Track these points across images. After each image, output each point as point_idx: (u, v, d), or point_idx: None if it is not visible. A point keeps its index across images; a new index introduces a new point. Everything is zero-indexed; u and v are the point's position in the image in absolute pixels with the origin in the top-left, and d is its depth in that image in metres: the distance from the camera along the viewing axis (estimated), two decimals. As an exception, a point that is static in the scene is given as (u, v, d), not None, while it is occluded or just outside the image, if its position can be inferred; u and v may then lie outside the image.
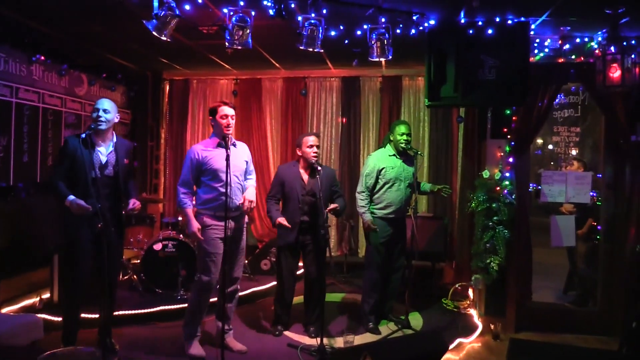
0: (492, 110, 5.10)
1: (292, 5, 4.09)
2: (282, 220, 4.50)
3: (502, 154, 5.07)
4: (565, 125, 6.19)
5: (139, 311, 5.09)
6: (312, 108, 7.73)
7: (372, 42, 4.34)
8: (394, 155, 4.90)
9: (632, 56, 4.27)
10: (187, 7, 4.04)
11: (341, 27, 4.48)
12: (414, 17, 4.36)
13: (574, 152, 6.26)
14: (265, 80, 7.78)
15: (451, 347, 4.54)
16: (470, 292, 5.72)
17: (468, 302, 5.69)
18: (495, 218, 4.91)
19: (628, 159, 4.81)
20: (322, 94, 7.72)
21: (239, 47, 4.02)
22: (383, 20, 4.32)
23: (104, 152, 4.04)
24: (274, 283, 5.19)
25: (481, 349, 4.63)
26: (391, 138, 4.95)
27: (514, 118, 4.95)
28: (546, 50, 4.94)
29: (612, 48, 4.31)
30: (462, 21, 4.48)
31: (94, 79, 6.66)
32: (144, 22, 3.76)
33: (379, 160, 4.87)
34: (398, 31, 4.45)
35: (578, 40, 4.77)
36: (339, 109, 7.67)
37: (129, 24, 4.76)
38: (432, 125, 7.33)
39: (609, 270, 4.98)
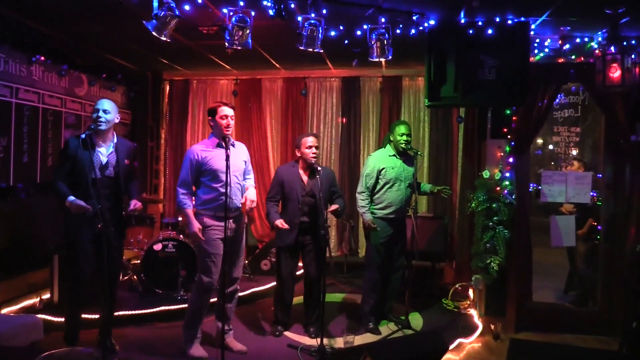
0: (492, 110, 5.10)
1: (292, 6, 4.09)
2: (279, 223, 4.49)
3: (502, 154, 5.07)
4: (565, 125, 6.19)
5: (139, 311, 5.09)
6: (312, 108, 7.73)
7: (372, 42, 4.34)
8: (394, 155, 4.90)
9: (632, 56, 4.27)
10: (187, 7, 4.04)
11: (341, 27, 4.48)
12: (414, 17, 4.36)
13: (574, 152, 6.26)
14: (265, 81, 7.78)
15: (451, 347, 4.54)
16: (471, 292, 5.71)
17: (468, 302, 5.69)
18: (495, 218, 4.91)
19: (628, 159, 4.81)
20: (322, 94, 7.72)
21: (239, 48, 4.02)
22: (383, 20, 4.31)
23: (105, 152, 4.04)
24: (274, 283, 5.19)
25: (481, 349, 4.63)
26: (391, 138, 4.94)
27: (514, 118, 4.95)
28: (546, 50, 4.93)
29: (612, 48, 4.31)
30: (462, 21, 4.48)
31: (94, 79, 6.66)
32: (144, 22, 3.76)
33: (379, 161, 4.87)
34: (398, 31, 4.45)
35: (578, 40, 4.77)
36: (339, 109, 7.67)
37: (129, 24, 4.76)
38: (432, 125, 7.33)
39: (609, 270, 4.98)
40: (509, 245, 4.92)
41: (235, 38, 3.97)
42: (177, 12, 3.82)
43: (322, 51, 4.26)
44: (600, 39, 4.64)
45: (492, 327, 4.83)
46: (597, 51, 4.62)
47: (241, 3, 3.99)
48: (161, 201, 7.84)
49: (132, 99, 7.65)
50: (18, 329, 3.95)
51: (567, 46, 4.79)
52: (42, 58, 5.64)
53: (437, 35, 4.48)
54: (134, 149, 4.32)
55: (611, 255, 4.98)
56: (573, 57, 4.85)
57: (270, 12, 3.95)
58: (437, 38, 4.48)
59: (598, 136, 5.35)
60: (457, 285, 5.90)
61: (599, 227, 5.20)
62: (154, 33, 3.81)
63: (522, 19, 4.39)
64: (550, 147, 6.65)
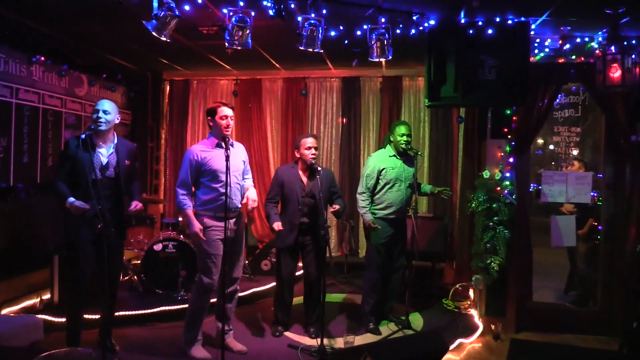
0: (492, 110, 5.10)
1: (292, 6, 4.08)
2: (277, 225, 4.49)
3: (502, 154, 5.07)
4: (565, 125, 6.19)
5: (140, 312, 5.09)
6: (312, 108, 7.73)
7: (372, 43, 4.34)
8: (394, 155, 4.89)
9: (633, 56, 4.27)
10: (187, 7, 4.04)
11: (341, 28, 4.47)
12: (414, 17, 4.36)
13: (574, 152, 6.26)
14: (266, 81, 7.78)
15: (452, 347, 4.54)
16: (471, 292, 5.71)
17: (468, 302, 5.68)
18: (495, 218, 4.91)
19: (628, 159, 4.81)
20: (322, 95, 7.72)
21: (239, 48, 4.02)
22: (383, 20, 4.31)
23: (105, 153, 4.04)
24: (274, 284, 5.19)
25: (482, 350, 4.63)
26: (391, 139, 4.94)
27: (514, 118, 4.95)
28: (546, 50, 4.93)
29: (613, 48, 4.30)
30: (462, 21, 4.48)
31: (94, 79, 6.66)
32: (144, 22, 3.76)
33: (379, 161, 4.87)
34: (398, 31, 4.45)
35: (578, 40, 4.77)
36: (339, 110, 7.67)
37: (129, 24, 4.76)
38: (432, 125, 7.33)
39: (609, 270, 4.98)
40: (509, 246, 4.92)
41: (235, 38, 3.97)
42: (177, 12, 3.82)
43: (322, 51, 4.26)
44: (600, 39, 4.63)
45: (493, 327, 4.83)
46: (597, 51, 4.62)
47: (241, 3, 3.99)
48: (161, 201, 7.84)
49: (132, 99, 7.65)
50: (18, 329, 3.96)
51: (567, 46, 4.79)
52: (42, 58, 5.64)
53: (437, 35, 4.48)
54: (134, 150, 4.31)
55: (611, 255, 4.97)
56: (573, 57, 4.85)
57: (270, 12, 3.94)
58: (437, 38, 4.48)
59: (598, 136, 5.35)
60: (457, 286, 5.90)
61: (599, 227, 5.20)
62: (153, 33, 3.81)
63: (522, 19, 4.39)
64: (551, 147, 6.65)
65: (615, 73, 4.25)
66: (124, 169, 4.13)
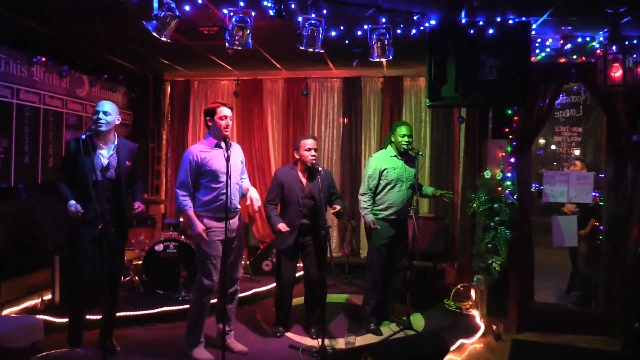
0: (493, 110, 5.10)
1: (292, 6, 4.08)
2: (282, 227, 4.49)
3: (503, 154, 5.07)
4: (567, 125, 6.17)
5: (141, 312, 5.09)
6: (313, 109, 7.72)
7: (373, 43, 4.34)
8: (395, 156, 4.89)
9: (634, 56, 4.26)
10: (187, 7, 4.04)
11: (341, 28, 4.47)
12: (415, 17, 4.35)
13: (576, 152, 6.25)
14: (267, 81, 7.77)
15: (453, 348, 4.53)
16: (472, 292, 5.70)
17: (470, 302, 5.67)
18: (496, 218, 4.91)
19: (629, 159, 4.80)
20: (323, 95, 7.71)
21: (239, 48, 4.02)
22: (383, 20, 4.31)
23: (106, 154, 4.04)
24: (275, 284, 5.18)
25: (483, 350, 4.62)
26: (392, 139, 4.93)
27: (515, 118, 4.95)
28: (547, 50, 4.92)
29: (614, 47, 4.30)
30: (463, 21, 4.47)
31: (94, 80, 6.66)
32: (144, 23, 3.76)
33: (381, 162, 4.86)
34: (399, 31, 4.44)
35: (579, 39, 4.77)
36: (340, 110, 7.66)
37: (129, 24, 4.76)
38: (433, 125, 7.32)
39: (611, 271, 4.97)
40: (511, 246, 4.91)
41: (236, 38, 3.97)
42: (177, 13, 3.82)
43: (322, 51, 4.26)
44: (601, 38, 4.62)
45: (494, 327, 4.82)
46: (598, 51, 4.61)
47: (241, 3, 3.98)
48: (163, 202, 7.84)
49: (133, 99, 7.65)
50: (18, 329, 3.96)
51: (568, 46, 4.79)
52: (43, 59, 5.64)
53: (437, 35, 4.47)
54: (135, 150, 4.31)
55: (613, 255, 4.96)
56: (574, 56, 4.84)
57: (271, 12, 3.94)
58: (437, 38, 4.48)
59: (600, 136, 5.34)
60: (458, 286, 5.89)
61: (601, 228, 5.19)
62: (154, 34, 3.80)
63: (523, 18, 4.39)
64: (553, 147, 6.64)
65: (617, 73, 4.24)
66: (125, 170, 4.12)
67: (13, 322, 4.17)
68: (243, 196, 4.38)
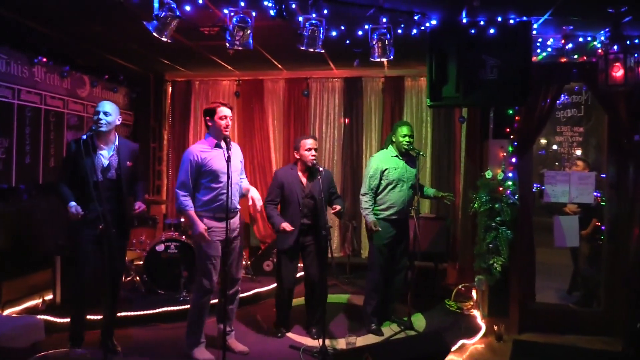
0: (494, 110, 5.09)
1: (293, 6, 4.08)
2: (286, 225, 4.48)
3: (504, 154, 5.05)
4: (568, 125, 6.17)
5: (142, 312, 5.09)
6: (314, 109, 7.71)
7: (374, 42, 4.33)
8: (396, 156, 4.88)
9: (635, 55, 4.26)
10: (188, 8, 4.03)
11: (342, 28, 4.47)
12: (415, 17, 4.35)
13: (578, 152, 6.24)
14: (267, 81, 7.76)
15: (454, 348, 4.52)
16: (474, 293, 5.69)
17: (471, 303, 5.67)
18: (498, 218, 4.89)
19: (631, 159, 4.78)
20: (324, 95, 7.70)
21: (240, 48, 4.01)
22: (384, 20, 4.30)
23: (106, 155, 4.04)
24: (276, 284, 5.18)
25: (484, 351, 4.61)
26: (393, 139, 4.93)
27: (516, 118, 4.94)
28: (549, 49, 4.91)
29: (615, 47, 4.29)
30: (464, 21, 4.47)
31: (96, 80, 6.66)
32: (145, 23, 3.76)
33: (382, 162, 4.86)
34: (399, 31, 4.44)
35: (581, 39, 4.75)
36: (341, 110, 7.65)
37: (130, 24, 4.75)
38: (434, 125, 7.30)
39: (613, 271, 4.95)
40: (512, 246, 4.90)
41: (236, 38, 3.97)
42: (177, 13, 3.82)
43: (323, 51, 4.26)
44: (602, 38, 4.61)
45: (495, 328, 4.81)
46: (599, 50, 4.59)
47: (242, 3, 3.98)
48: (164, 202, 7.83)
49: (134, 100, 7.65)
50: (19, 329, 3.96)
51: (569, 45, 4.78)
52: (44, 59, 5.64)
53: (438, 35, 4.47)
54: (136, 151, 4.31)
55: (615, 255, 4.95)
56: (575, 56, 4.83)
57: (271, 12, 3.94)
58: (438, 38, 4.47)
59: (601, 136, 5.33)
60: (460, 286, 5.89)
61: (602, 228, 5.18)
62: (154, 34, 3.81)
63: (524, 18, 4.38)
64: (554, 147, 6.63)
65: (618, 72, 4.24)
66: (126, 170, 4.13)
67: (14, 322, 4.17)
68: (242, 196, 4.39)
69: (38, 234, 5.56)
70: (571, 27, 4.59)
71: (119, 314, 4.59)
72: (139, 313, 5.07)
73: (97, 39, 5.60)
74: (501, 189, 4.92)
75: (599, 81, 4.40)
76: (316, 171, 4.54)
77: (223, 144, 4.00)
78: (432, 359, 3.37)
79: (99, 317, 4.55)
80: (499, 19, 4.38)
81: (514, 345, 3.71)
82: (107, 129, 4.00)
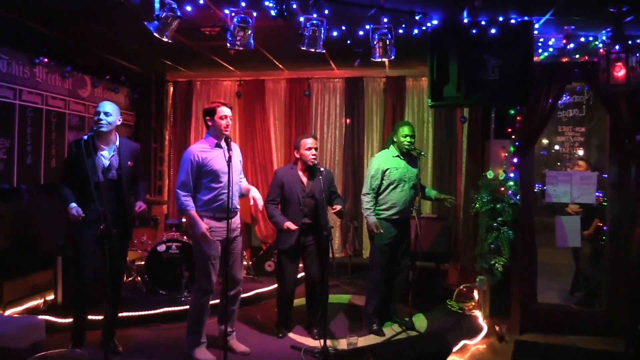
0: (496, 110, 5.08)
1: (294, 6, 4.07)
2: (290, 224, 4.48)
3: (506, 154, 5.04)
4: (570, 125, 6.15)
5: (143, 313, 5.09)
6: (315, 109, 7.71)
7: (375, 43, 4.33)
8: (397, 156, 4.88)
9: (637, 55, 4.25)
10: (189, 8, 4.03)
11: (343, 28, 4.47)
12: (417, 17, 4.34)
13: (580, 152, 6.22)
14: (269, 82, 7.77)
15: (456, 348, 4.52)
16: (475, 293, 5.68)
17: (473, 303, 5.66)
18: (499, 219, 4.88)
19: (633, 159, 4.78)
20: (325, 95, 7.71)
21: (241, 48, 4.01)
22: (385, 20, 4.30)
23: (107, 155, 4.05)
24: (277, 285, 5.18)
25: (486, 351, 4.60)
26: (394, 139, 4.93)
27: (518, 118, 4.93)
28: (550, 49, 4.90)
29: (617, 47, 4.28)
30: (465, 21, 4.46)
31: (97, 81, 6.67)
32: (146, 23, 3.76)
33: (383, 162, 4.86)
34: (400, 31, 4.44)
35: (582, 39, 4.74)
36: (342, 110, 7.65)
37: (131, 25, 4.75)
38: (436, 125, 7.30)
39: (615, 271, 4.94)
40: (514, 246, 4.89)
41: (237, 39, 3.96)
42: (178, 13, 3.82)
43: (324, 52, 4.25)
44: (604, 37, 4.60)
45: (497, 328, 4.80)
46: (601, 50, 4.58)
47: (243, 4, 3.98)
48: (165, 202, 7.84)
49: (135, 100, 7.66)
50: (20, 330, 3.97)
51: (571, 45, 4.76)
52: (46, 60, 5.66)
53: (439, 35, 4.46)
54: (137, 150, 4.31)
55: (616, 255, 4.94)
56: (577, 56, 4.82)
57: (272, 12, 3.94)
58: (439, 38, 4.47)
59: (603, 136, 5.31)
60: (461, 287, 5.88)
61: (604, 228, 5.16)
62: (155, 34, 3.81)
63: (526, 18, 4.37)
64: (556, 147, 6.62)
65: (620, 72, 4.22)
66: (127, 170, 4.13)
67: (15, 322, 4.17)
68: (242, 196, 4.38)
69: (39, 234, 5.56)
70: (573, 27, 4.58)
71: (120, 314, 4.60)
72: (140, 313, 5.07)
73: (97, 40, 5.60)
74: (503, 189, 4.91)
75: (600, 81, 4.38)
76: (317, 170, 4.54)
77: (224, 144, 4.00)
78: (433, 360, 3.36)
79: (100, 317, 4.57)
80: (501, 18, 4.37)
81: (516, 346, 3.70)
82: (107, 129, 4.00)
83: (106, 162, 4.02)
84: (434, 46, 4.48)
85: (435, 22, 4.44)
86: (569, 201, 5.17)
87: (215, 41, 4.97)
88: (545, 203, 5.27)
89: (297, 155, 4.65)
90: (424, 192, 5.08)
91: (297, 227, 4.49)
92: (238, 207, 4.30)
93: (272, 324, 4.96)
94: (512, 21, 4.38)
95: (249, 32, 3.97)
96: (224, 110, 4.11)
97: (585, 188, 5.06)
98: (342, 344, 4.56)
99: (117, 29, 5.19)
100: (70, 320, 4.32)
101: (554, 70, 4.84)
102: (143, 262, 5.84)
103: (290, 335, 4.80)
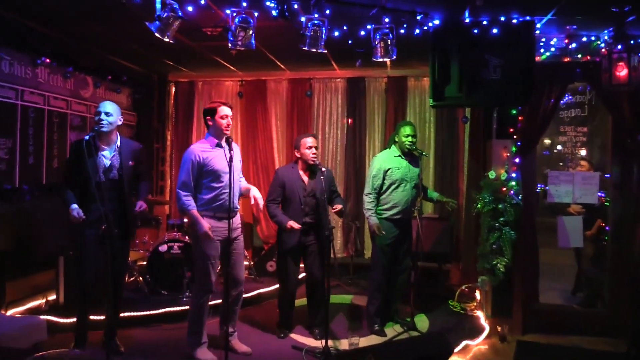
0: (497, 110, 5.07)
1: (295, 6, 4.07)
2: (293, 223, 4.47)
3: (508, 154, 5.03)
4: (572, 125, 6.15)
5: (145, 313, 5.09)
6: (317, 109, 7.71)
7: (376, 43, 4.32)
8: (399, 156, 4.87)
9: (639, 55, 4.23)
10: (190, 8, 4.04)
11: (345, 28, 4.47)
12: (418, 17, 4.34)
13: (582, 152, 6.21)
14: (270, 82, 7.77)
15: (457, 349, 4.51)
16: (477, 293, 5.68)
17: (475, 303, 5.65)
18: (501, 219, 4.87)
19: (635, 159, 4.76)
20: (327, 95, 7.71)
21: (243, 49, 4.02)
22: (387, 20, 4.30)
23: (108, 155, 4.05)
24: (278, 285, 5.18)
25: (488, 351, 4.59)
26: (396, 139, 4.92)
27: (520, 118, 4.92)
28: (552, 49, 4.89)
29: (619, 46, 4.27)
30: (467, 21, 4.45)
31: (99, 81, 6.68)
32: (147, 23, 3.76)
33: (384, 161, 4.85)
34: (402, 31, 4.43)
35: (584, 39, 4.73)
36: (344, 110, 7.65)
37: (132, 25, 4.75)
38: (437, 125, 7.30)
39: (617, 272, 4.93)
40: (515, 246, 4.88)
41: (239, 39, 3.97)
42: (180, 14, 3.82)
43: (326, 52, 4.24)
44: (606, 37, 4.59)
45: (499, 328, 4.79)
46: (603, 50, 4.57)
47: (244, 4, 3.98)
48: (167, 202, 7.85)
49: (137, 100, 7.67)
50: (22, 330, 3.98)
51: (573, 45, 4.75)
52: (47, 60, 5.66)
53: (441, 35, 4.45)
54: (138, 150, 4.31)
55: (619, 256, 4.93)
56: (579, 56, 4.81)
57: (274, 12, 3.94)
58: (441, 38, 4.45)
59: (606, 136, 5.30)
60: (463, 287, 5.87)
61: (607, 228, 5.15)
62: (156, 34, 3.81)
63: (527, 18, 4.36)
64: (559, 147, 6.61)
65: (622, 72, 4.21)
66: (128, 170, 4.13)
67: (17, 322, 4.18)
68: (242, 195, 4.38)
69: (41, 234, 5.57)
70: (575, 27, 4.57)
71: (122, 315, 4.61)
72: (142, 313, 5.07)
73: (99, 40, 5.61)
74: (504, 189, 4.90)
75: (602, 81, 4.37)
76: (317, 170, 4.53)
77: (224, 143, 4.00)
78: (434, 360, 3.36)
79: (102, 317, 4.58)
80: (502, 18, 4.36)
81: (518, 346, 3.70)
82: (108, 130, 4.01)
83: (107, 162, 4.03)
84: (435, 46, 4.47)
85: (436, 22, 4.43)
86: (571, 201, 5.16)
87: (217, 41, 4.97)
88: (547, 203, 5.26)
89: (298, 155, 4.65)
90: (425, 194, 5.07)
91: (300, 226, 4.49)
92: (238, 207, 4.30)
93: (274, 324, 4.95)
94: (514, 21, 4.37)
95: (251, 32, 3.97)
96: (225, 110, 4.11)
97: (588, 188, 5.05)
98: (344, 344, 4.56)
99: (118, 29, 5.19)
100: (72, 320, 4.33)
101: (555, 70, 4.83)
102: (145, 262, 5.85)
103: (292, 335, 4.80)
